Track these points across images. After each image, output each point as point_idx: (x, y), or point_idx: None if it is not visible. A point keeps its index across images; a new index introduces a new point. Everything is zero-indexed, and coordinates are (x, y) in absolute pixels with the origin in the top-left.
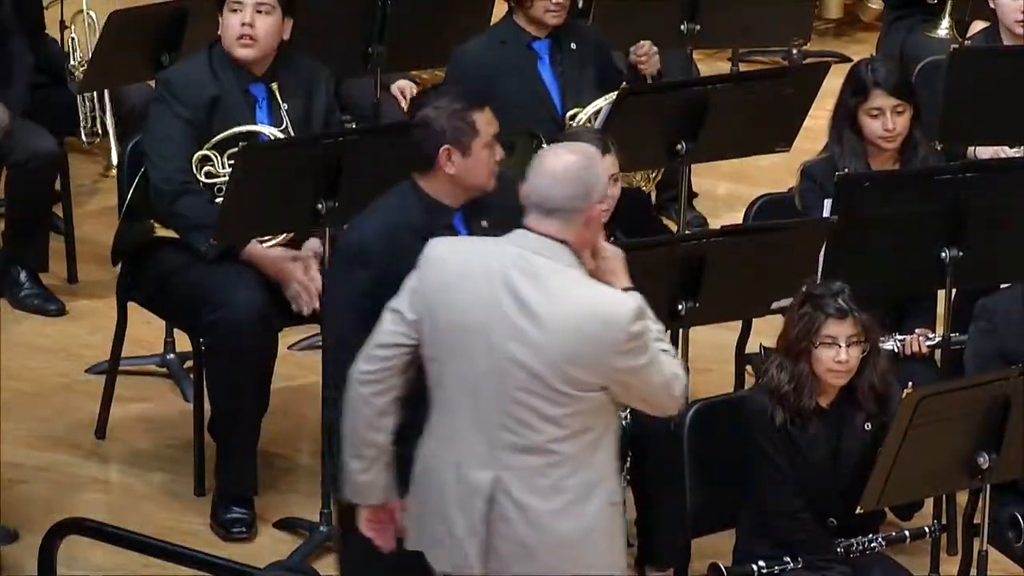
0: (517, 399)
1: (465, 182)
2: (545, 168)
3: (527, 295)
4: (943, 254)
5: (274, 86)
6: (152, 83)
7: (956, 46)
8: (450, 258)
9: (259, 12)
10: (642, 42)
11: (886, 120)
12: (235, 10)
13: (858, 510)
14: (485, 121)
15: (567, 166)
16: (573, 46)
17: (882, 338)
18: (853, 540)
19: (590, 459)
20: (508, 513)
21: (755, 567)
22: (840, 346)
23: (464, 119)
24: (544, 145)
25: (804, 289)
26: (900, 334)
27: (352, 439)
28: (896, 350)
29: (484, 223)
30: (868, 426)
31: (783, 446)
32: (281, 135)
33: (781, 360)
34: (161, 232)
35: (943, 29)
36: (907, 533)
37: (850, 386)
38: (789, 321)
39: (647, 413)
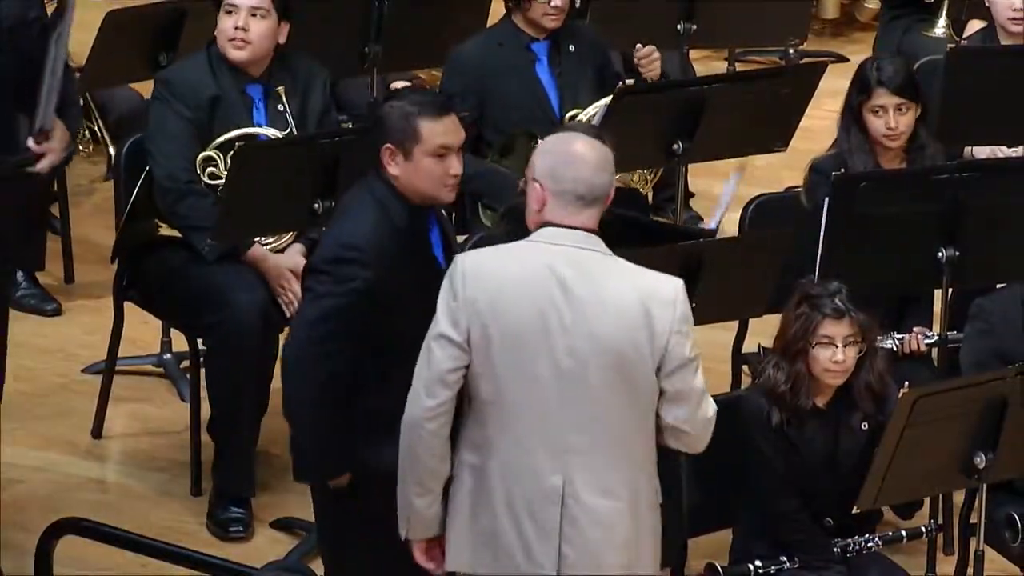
0: (585, 398)
1: (409, 186)
2: (581, 156)
3: (581, 290)
4: (940, 254)
5: (280, 90)
6: (134, 88)
7: (953, 45)
8: (490, 269)
9: (253, 16)
10: (645, 46)
11: (888, 119)
12: (230, 12)
13: (855, 510)
14: (437, 129)
15: (601, 151)
16: (572, 48)
17: (880, 337)
18: (850, 540)
19: (647, 458)
20: (577, 517)
21: (752, 567)
22: (837, 346)
23: (409, 122)
24: None
25: (801, 289)
26: (898, 333)
27: (418, 475)
28: (895, 348)
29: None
30: (865, 426)
31: (780, 446)
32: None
33: (778, 360)
34: (166, 231)
35: (940, 28)
36: (904, 533)
37: (847, 386)
38: (786, 321)
39: (676, 445)
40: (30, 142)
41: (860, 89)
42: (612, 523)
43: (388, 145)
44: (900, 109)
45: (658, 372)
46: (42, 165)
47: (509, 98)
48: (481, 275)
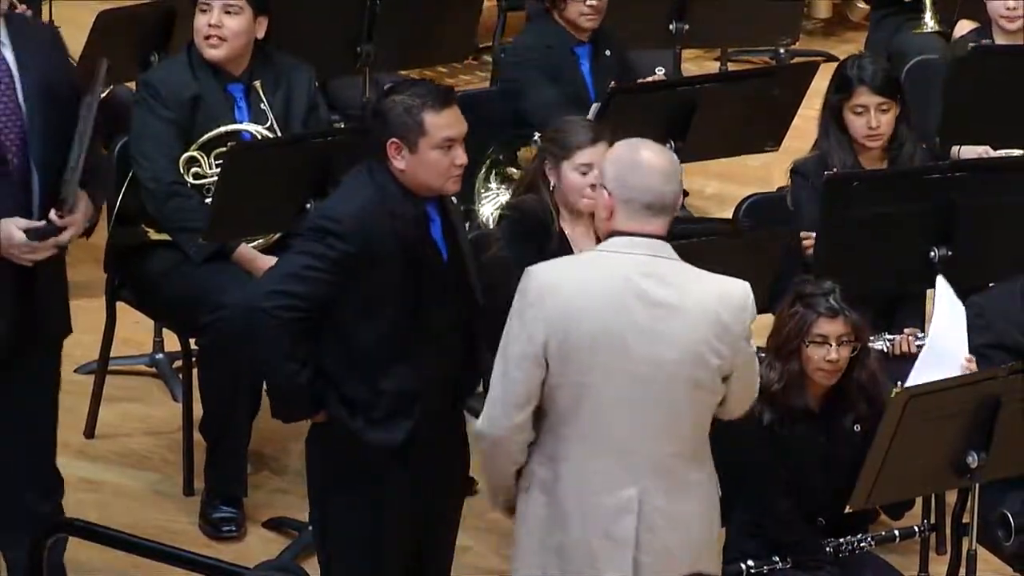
0: (660, 404)
1: (415, 179)
2: (649, 165)
3: (659, 296)
4: (933, 253)
5: (257, 84)
6: (129, 87)
7: (945, 43)
8: (564, 282)
9: (227, 13)
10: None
11: (870, 118)
12: (204, 10)
13: (847, 509)
14: (441, 122)
15: (669, 159)
16: (608, 52)
17: (872, 337)
18: (842, 540)
19: (709, 456)
20: (655, 523)
21: (744, 566)
22: (831, 345)
23: (413, 116)
24: None
25: (795, 288)
26: (890, 333)
27: (501, 476)
28: (885, 349)
29: (454, 199)
30: (857, 428)
31: (771, 447)
32: (268, 133)
33: (771, 359)
34: (155, 236)
35: (928, 25)
36: (896, 533)
37: (839, 387)
38: (780, 320)
39: (722, 417)
40: (52, 215)
41: (841, 88)
42: (689, 524)
43: (393, 140)
44: (882, 108)
45: (730, 373)
46: (62, 237)
47: (559, 99)
48: (556, 288)
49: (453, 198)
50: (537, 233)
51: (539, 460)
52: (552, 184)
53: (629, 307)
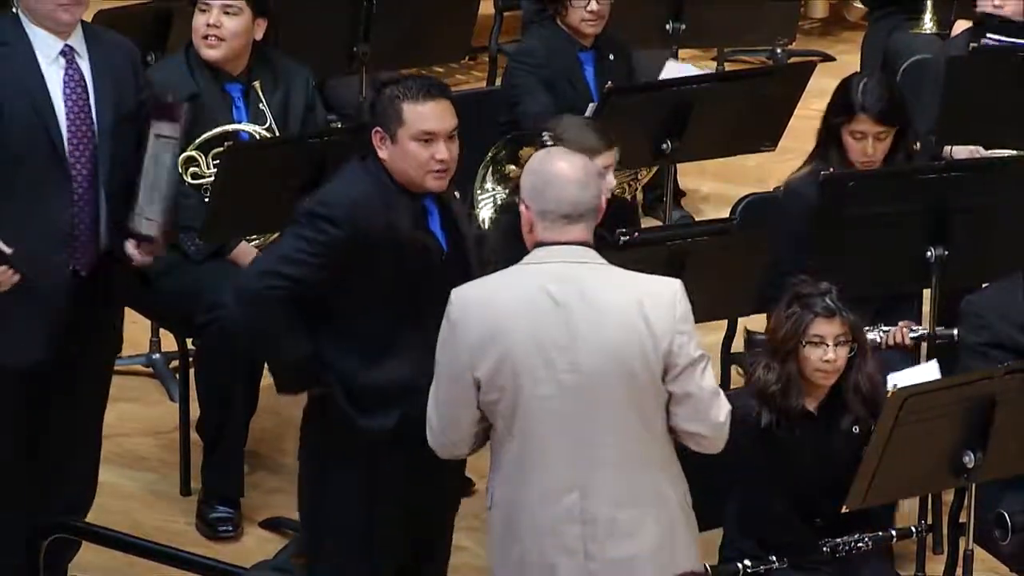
0: (594, 412)
1: (396, 170)
2: (563, 175)
3: (575, 303)
4: (929, 253)
5: (256, 84)
6: None
7: (942, 43)
8: (483, 301)
9: (226, 13)
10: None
11: (867, 145)
12: (203, 10)
13: (843, 509)
14: (421, 113)
15: (583, 167)
16: (611, 57)
17: (867, 328)
18: (839, 540)
19: (666, 459)
20: (599, 531)
21: (740, 566)
22: (828, 345)
23: (394, 106)
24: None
25: (792, 288)
26: (885, 326)
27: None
28: (879, 340)
29: (456, 193)
30: (856, 429)
31: (768, 448)
32: (266, 132)
33: (768, 361)
34: None
35: (927, 26)
36: (893, 532)
37: (837, 388)
38: (777, 321)
39: (695, 448)
40: (130, 248)
41: (842, 110)
42: (635, 532)
43: (377, 128)
44: (879, 136)
45: (664, 375)
46: (139, 262)
47: (562, 107)
48: (473, 309)
49: (456, 193)
50: None
51: (492, 477)
52: None
53: (545, 317)
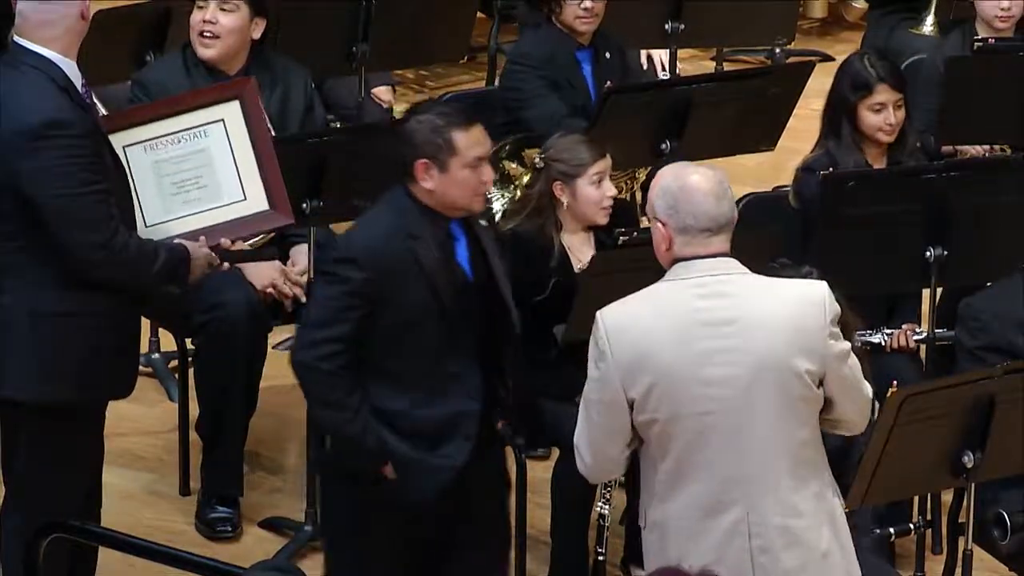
0: (753, 423)
1: (444, 199)
2: (699, 190)
3: (723, 316)
4: (928, 253)
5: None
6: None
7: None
8: (630, 324)
9: (223, 10)
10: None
11: (888, 114)
12: (200, 7)
13: (843, 509)
14: (469, 140)
15: (715, 179)
16: (608, 55)
17: (869, 331)
18: None
19: (822, 463)
20: (769, 543)
21: None
22: None
23: (442, 135)
24: None
25: (771, 274)
26: (888, 328)
27: None
28: (884, 343)
29: (483, 222)
30: None
31: None
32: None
33: None
34: None
35: (927, 26)
36: (891, 531)
37: None
38: None
39: (842, 432)
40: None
41: (858, 86)
42: (807, 540)
43: (422, 160)
44: (898, 104)
45: (821, 377)
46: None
47: (564, 111)
48: (623, 331)
49: (482, 221)
50: (535, 258)
51: (647, 500)
52: (565, 203)
53: (695, 335)
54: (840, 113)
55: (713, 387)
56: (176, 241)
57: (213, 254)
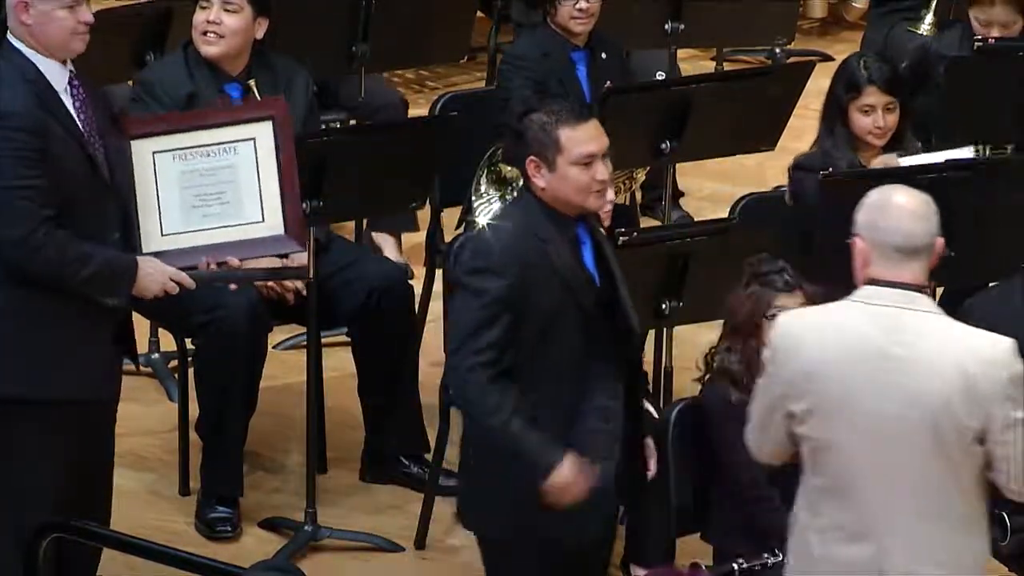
0: (902, 464)
1: (556, 198)
2: (900, 206)
3: (896, 352)
4: None
5: (251, 83)
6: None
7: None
8: (805, 338)
9: (226, 10)
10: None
11: (877, 117)
12: (203, 7)
13: None
14: (578, 138)
15: (922, 201)
16: (603, 56)
17: None
18: None
19: (972, 520)
20: None
21: (735, 566)
22: None
23: (549, 133)
24: None
25: (748, 270)
26: None
27: None
28: None
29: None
30: None
31: (741, 425)
32: None
33: (729, 343)
34: None
35: (926, 25)
36: None
37: None
38: (736, 303)
39: (1009, 495)
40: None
41: (849, 87)
42: None
43: (532, 158)
44: (889, 108)
45: (983, 436)
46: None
47: None
48: (796, 344)
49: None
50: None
51: (799, 503)
52: None
53: (866, 363)
54: (834, 113)
55: (871, 420)
56: (139, 256)
57: (183, 275)
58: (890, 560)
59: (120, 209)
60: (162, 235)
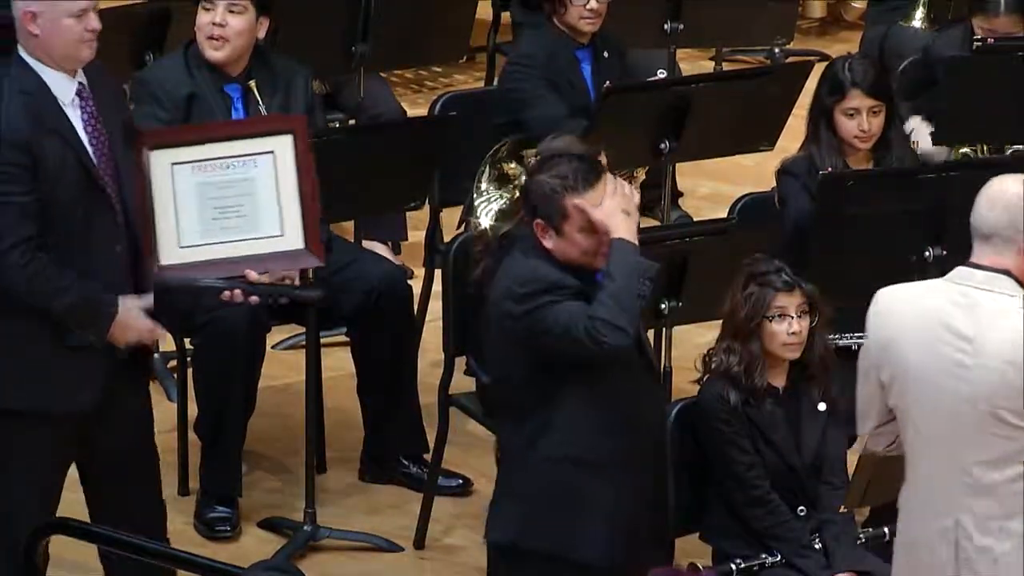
0: (975, 439)
1: (564, 258)
2: (985, 194)
3: (962, 329)
4: (927, 253)
5: (251, 83)
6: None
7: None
8: (892, 310)
9: (231, 11)
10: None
11: (862, 120)
12: (207, 9)
13: (841, 510)
14: (590, 201)
15: (1002, 189)
16: (606, 55)
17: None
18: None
19: None
20: (972, 557)
21: (733, 566)
22: (792, 317)
23: (555, 201)
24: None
25: (746, 270)
26: None
27: None
28: None
29: None
30: (822, 406)
31: (743, 427)
32: None
33: (729, 344)
34: None
35: (916, 20)
36: (886, 531)
37: (801, 366)
38: (734, 304)
39: None
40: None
41: (833, 90)
42: (1008, 563)
43: (538, 220)
44: (873, 111)
45: None
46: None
47: (565, 113)
48: (884, 314)
49: None
50: None
51: (907, 459)
52: None
53: (940, 339)
54: (818, 115)
55: (941, 396)
56: (126, 301)
57: (158, 330)
58: (967, 533)
59: (125, 222)
60: (180, 247)
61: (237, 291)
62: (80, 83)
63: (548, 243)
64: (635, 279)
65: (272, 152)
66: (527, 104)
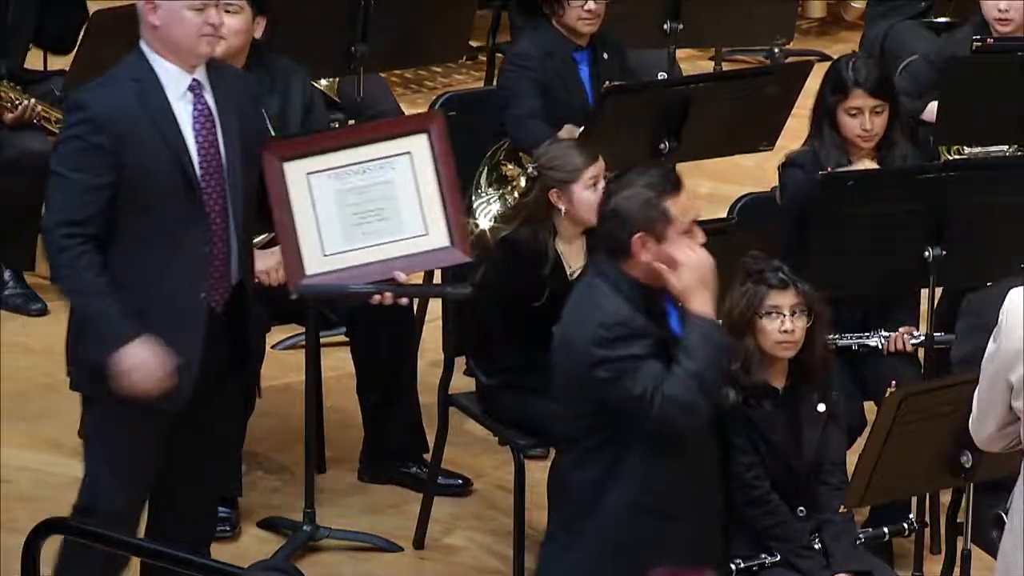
0: None
1: (650, 278)
2: None
3: None
4: (927, 253)
5: None
6: None
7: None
8: (1016, 312)
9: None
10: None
11: (864, 120)
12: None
13: (841, 509)
14: (679, 207)
15: None
16: (605, 56)
17: (867, 334)
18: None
19: None
20: None
21: (732, 566)
22: (784, 315)
23: (656, 207)
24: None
25: (744, 267)
26: (884, 331)
27: None
28: (880, 346)
29: None
30: (822, 407)
31: (742, 426)
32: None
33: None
34: None
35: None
36: (886, 530)
37: (801, 362)
38: (731, 300)
39: None
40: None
41: (836, 89)
42: None
43: (640, 234)
44: (876, 110)
45: None
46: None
47: (557, 108)
48: (1018, 317)
49: None
50: (529, 265)
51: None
52: (563, 209)
53: None
54: (821, 114)
55: None
56: (136, 339)
57: (174, 381)
58: None
59: (221, 227)
60: (324, 255)
61: (387, 294)
62: (196, 80)
63: (647, 257)
64: (718, 362)
65: (409, 153)
66: (508, 102)
